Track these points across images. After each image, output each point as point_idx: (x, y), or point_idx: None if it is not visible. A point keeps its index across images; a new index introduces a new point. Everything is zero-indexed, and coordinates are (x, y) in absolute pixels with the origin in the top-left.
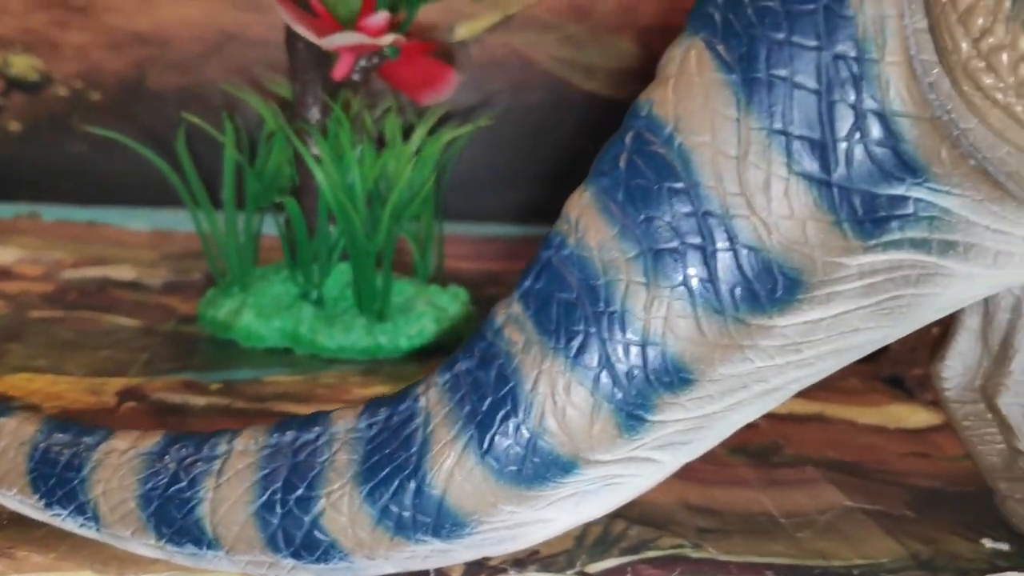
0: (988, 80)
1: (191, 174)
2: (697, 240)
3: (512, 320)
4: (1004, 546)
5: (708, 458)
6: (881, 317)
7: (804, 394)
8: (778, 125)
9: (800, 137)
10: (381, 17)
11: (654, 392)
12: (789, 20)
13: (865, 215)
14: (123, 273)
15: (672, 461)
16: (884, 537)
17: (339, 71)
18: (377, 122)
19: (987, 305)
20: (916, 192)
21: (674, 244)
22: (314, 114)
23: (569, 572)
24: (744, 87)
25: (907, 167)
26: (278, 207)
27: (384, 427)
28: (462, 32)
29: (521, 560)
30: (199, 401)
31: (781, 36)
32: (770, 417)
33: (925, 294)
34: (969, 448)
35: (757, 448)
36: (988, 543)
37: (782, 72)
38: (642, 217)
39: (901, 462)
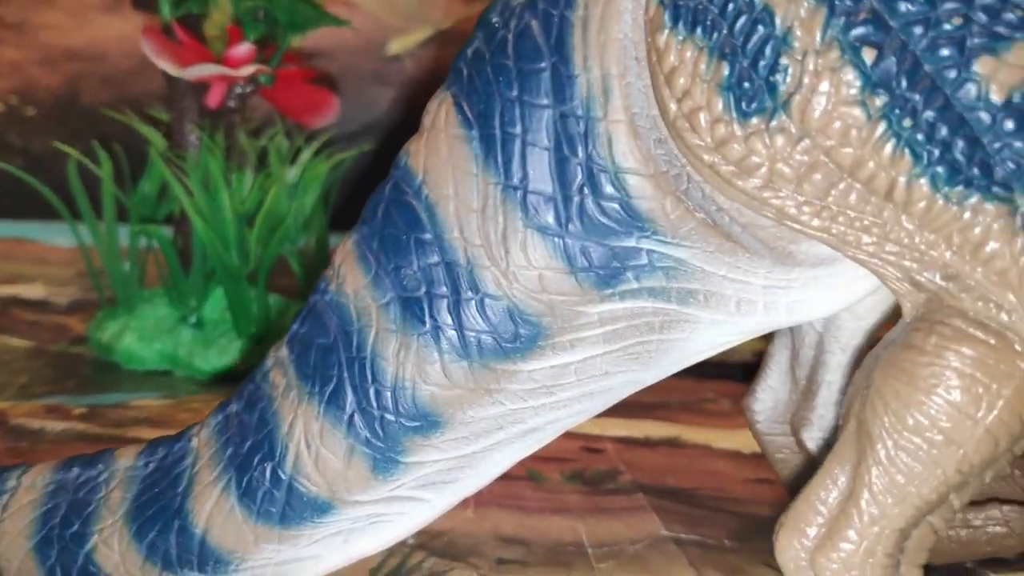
0: (694, 140)
1: (80, 194)
2: (442, 289)
3: (278, 363)
4: None
5: (541, 484)
6: (630, 361)
7: (664, 416)
8: (513, 181)
9: (534, 192)
10: (243, 49)
11: (405, 435)
12: (521, 78)
13: (599, 266)
14: (33, 292)
15: (439, 499)
16: (685, 568)
17: (212, 99)
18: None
19: (794, 340)
20: (647, 244)
21: (421, 292)
22: (192, 141)
23: None
24: (482, 143)
25: (634, 221)
26: (177, 228)
27: (159, 466)
28: (394, 47)
29: None
30: (57, 426)
31: (514, 94)
32: (620, 441)
33: (672, 339)
34: (783, 478)
35: (594, 474)
36: None
37: (516, 129)
38: (393, 265)
39: (742, 489)
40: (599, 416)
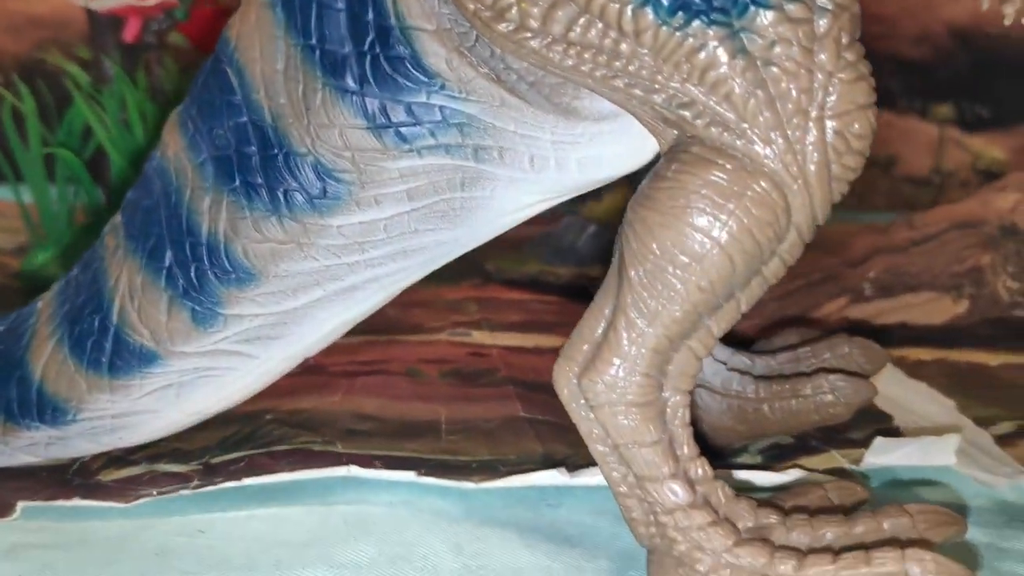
0: (471, 5)
1: (12, 134)
2: (250, 148)
3: (113, 228)
4: None
5: (417, 379)
6: (437, 219)
7: (563, 333)
8: (312, 40)
9: (330, 51)
10: None
11: (220, 287)
12: None
13: (396, 122)
14: None
15: (265, 354)
16: (532, 441)
17: (128, 34)
18: None
19: None
20: (438, 100)
21: (231, 151)
22: (111, 77)
23: (194, 462)
24: (284, 7)
25: (422, 76)
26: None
27: (10, 327)
28: None
29: (157, 454)
30: None
31: None
32: (508, 350)
33: (475, 196)
34: None
35: (472, 372)
36: None
37: None
38: (207, 127)
39: None
40: (494, 330)
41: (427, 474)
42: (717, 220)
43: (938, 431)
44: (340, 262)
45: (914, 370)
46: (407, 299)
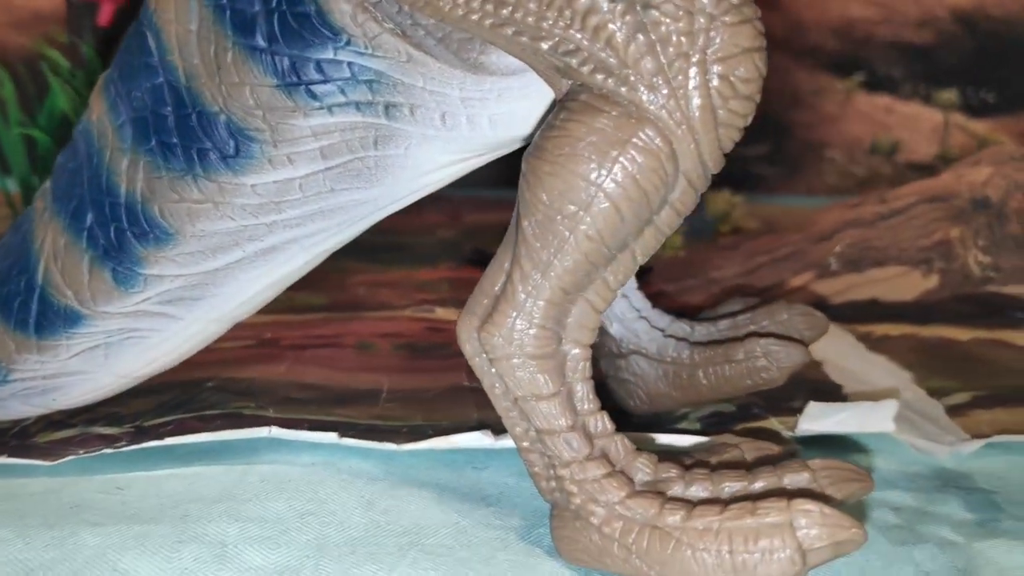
0: None
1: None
2: (166, 109)
3: (42, 192)
4: None
5: (368, 351)
6: (352, 178)
7: None
8: (222, 0)
9: (239, 9)
10: None
11: (139, 247)
12: None
13: (306, 80)
14: None
15: (191, 316)
16: (469, 408)
17: (102, 18)
18: None
19: None
20: (345, 56)
21: (147, 112)
22: (87, 61)
23: (127, 425)
24: None
25: (328, 31)
26: None
27: None
28: None
29: (94, 418)
30: None
31: None
32: None
33: (389, 155)
34: None
35: (425, 345)
36: None
37: None
38: (126, 90)
39: None
40: (460, 307)
41: (351, 436)
42: (602, 168)
43: (877, 396)
44: (257, 222)
45: (879, 344)
46: (378, 279)
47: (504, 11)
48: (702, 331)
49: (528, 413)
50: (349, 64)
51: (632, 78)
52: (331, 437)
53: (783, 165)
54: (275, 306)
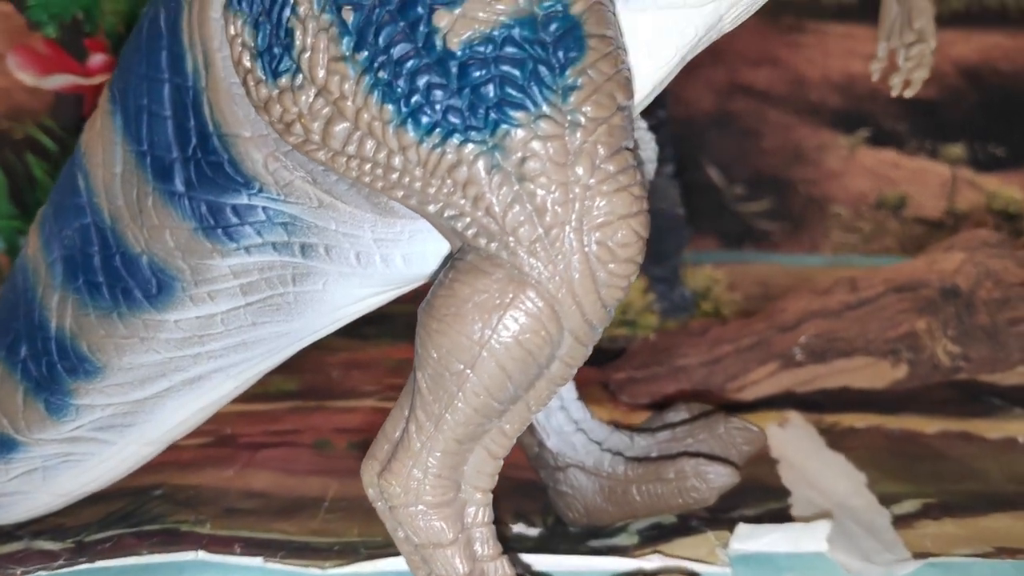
0: (253, 101)
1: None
2: (92, 248)
3: None
4: (533, 531)
5: (323, 451)
6: (273, 312)
7: None
8: (143, 147)
9: (159, 156)
10: (98, 59)
11: (70, 380)
12: (148, 57)
13: (222, 223)
14: None
15: (123, 441)
16: None
17: (87, 108)
18: None
19: None
20: (260, 201)
21: (76, 251)
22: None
23: (69, 540)
24: (122, 115)
25: (242, 179)
26: None
27: None
28: None
29: (40, 530)
30: None
31: (143, 71)
32: None
33: (308, 291)
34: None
35: None
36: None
37: (144, 101)
38: (58, 228)
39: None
40: None
41: (282, 558)
42: (486, 329)
43: (825, 505)
44: (182, 354)
45: (842, 438)
46: (356, 358)
47: (393, 176)
48: (641, 443)
49: (428, 560)
50: (264, 208)
51: (512, 243)
52: (257, 562)
53: (787, 221)
54: (247, 394)
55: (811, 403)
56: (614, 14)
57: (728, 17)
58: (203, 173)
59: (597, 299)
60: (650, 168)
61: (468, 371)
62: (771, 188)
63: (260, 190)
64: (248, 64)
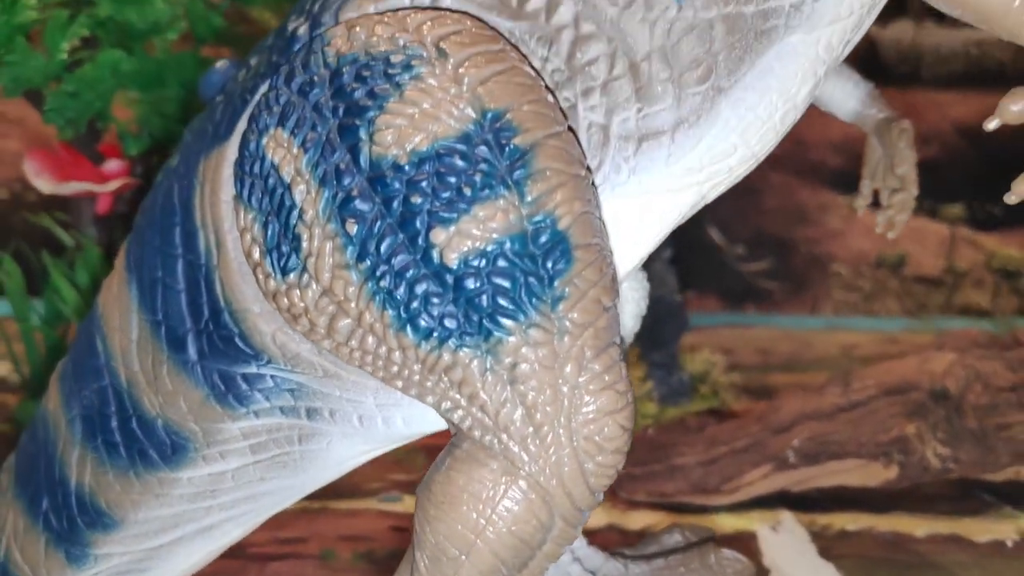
0: (263, 289)
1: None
2: (111, 408)
3: (6, 468)
4: None
5: (328, 563)
6: (280, 469)
7: None
8: (158, 316)
9: (173, 327)
10: (113, 165)
11: (89, 532)
12: (162, 231)
13: (232, 390)
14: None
15: None
16: None
17: (100, 207)
18: None
19: None
20: (268, 370)
21: (95, 411)
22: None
23: None
24: (137, 285)
25: (252, 351)
26: None
27: None
28: None
29: None
30: None
31: (158, 244)
32: None
33: (312, 449)
34: None
35: (386, 554)
36: None
37: (159, 274)
38: (78, 387)
39: None
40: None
41: None
42: (481, 518)
43: None
44: (194, 507)
45: (834, 544)
46: None
47: (393, 368)
48: (635, 571)
49: None
50: (272, 376)
51: (505, 439)
52: None
53: (789, 280)
54: None
55: (804, 501)
56: (600, 218)
57: (711, 195)
58: (215, 345)
59: (586, 488)
60: (643, 305)
61: (463, 557)
62: (772, 248)
63: (269, 361)
64: (257, 258)
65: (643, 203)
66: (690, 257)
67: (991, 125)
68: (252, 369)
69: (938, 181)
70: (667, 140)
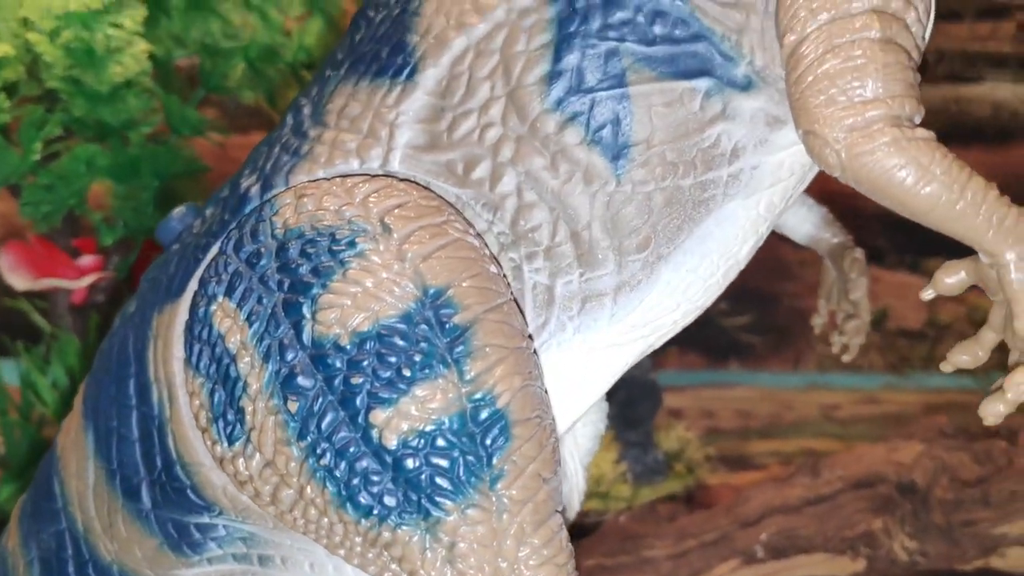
0: (213, 453)
1: None
2: (67, 552)
3: None
4: None
5: None
6: None
7: None
8: (113, 465)
9: (127, 476)
10: (86, 260)
11: None
12: (118, 382)
13: (182, 539)
14: None
15: None
16: None
17: (76, 297)
18: None
19: None
20: (220, 520)
21: (51, 554)
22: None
23: None
24: (94, 432)
25: (203, 503)
26: None
27: None
28: None
29: None
30: None
31: (113, 394)
32: None
33: None
34: None
35: None
36: None
37: (114, 423)
38: (36, 529)
39: None
40: None
41: None
42: None
43: None
44: None
45: None
46: None
47: (336, 539)
48: None
49: None
50: (224, 526)
51: None
52: None
53: (771, 334)
54: None
55: None
56: (541, 388)
57: (659, 343)
58: (168, 495)
59: None
60: (601, 426)
61: None
62: (754, 302)
63: (220, 512)
64: (204, 424)
65: (589, 357)
66: None
67: (926, 295)
68: (205, 519)
69: (919, 235)
70: (609, 301)
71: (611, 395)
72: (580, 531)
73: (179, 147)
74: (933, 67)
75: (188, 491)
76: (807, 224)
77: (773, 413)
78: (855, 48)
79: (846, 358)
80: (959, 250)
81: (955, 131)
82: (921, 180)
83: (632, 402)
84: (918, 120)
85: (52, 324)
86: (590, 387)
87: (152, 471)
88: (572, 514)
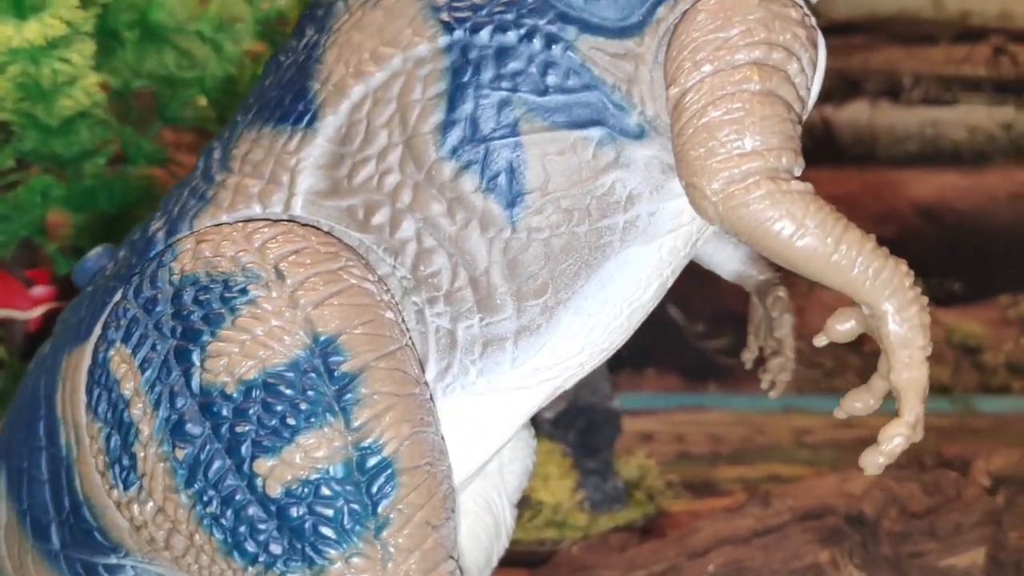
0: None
1: None
2: None
3: None
4: None
5: None
6: None
7: None
8: (23, 506)
9: (36, 517)
10: (39, 291)
11: None
12: (27, 424)
13: None
14: None
15: None
16: None
17: (31, 324)
18: None
19: None
20: (128, 561)
21: None
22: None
23: None
24: (7, 474)
25: (108, 545)
26: None
27: None
28: None
29: None
30: None
31: (23, 435)
32: None
33: None
34: None
35: None
36: None
37: (24, 464)
38: None
39: None
40: None
41: None
42: None
43: None
44: None
45: None
46: None
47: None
48: None
49: None
50: (132, 567)
51: None
52: None
53: None
54: None
55: None
56: (435, 434)
57: (569, 384)
58: (76, 536)
59: None
60: (528, 463)
61: None
62: (732, 324)
63: (127, 554)
64: (102, 468)
65: (495, 400)
66: (650, 335)
67: (819, 342)
68: (112, 560)
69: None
70: (511, 346)
71: (570, 423)
72: (534, 560)
73: (136, 177)
74: (909, 90)
75: (95, 532)
76: (733, 261)
77: (744, 437)
78: (735, 100)
79: (773, 395)
80: (940, 273)
81: (933, 154)
82: (796, 233)
83: (591, 430)
84: (798, 172)
85: (8, 353)
86: (497, 429)
87: (61, 512)
88: (498, 550)
